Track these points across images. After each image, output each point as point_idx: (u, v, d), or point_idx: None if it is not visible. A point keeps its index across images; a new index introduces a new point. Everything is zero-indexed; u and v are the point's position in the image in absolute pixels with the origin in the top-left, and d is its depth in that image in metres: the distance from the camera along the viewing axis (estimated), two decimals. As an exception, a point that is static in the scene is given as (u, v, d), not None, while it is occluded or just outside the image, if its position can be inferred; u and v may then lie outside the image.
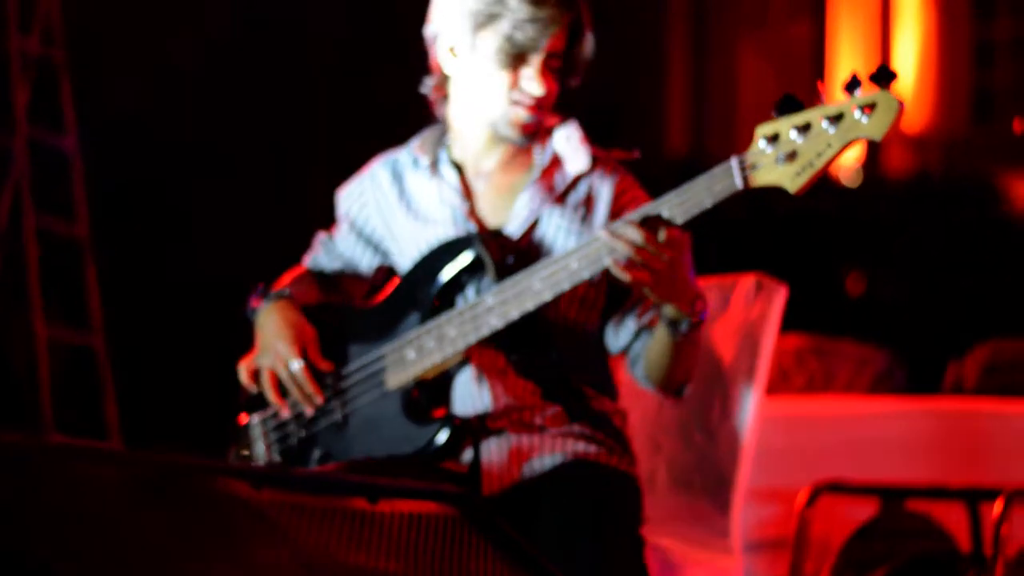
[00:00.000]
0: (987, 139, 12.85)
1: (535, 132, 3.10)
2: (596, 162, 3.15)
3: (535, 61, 3.04)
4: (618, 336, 3.11)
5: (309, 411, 3.12)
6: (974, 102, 13.30)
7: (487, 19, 3.05)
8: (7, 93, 6.98)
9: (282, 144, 8.05)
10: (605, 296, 3.11)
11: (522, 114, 3.06)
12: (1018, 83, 13.09)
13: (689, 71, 13.48)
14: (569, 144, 3.15)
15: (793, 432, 4.79)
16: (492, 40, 3.04)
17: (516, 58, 3.04)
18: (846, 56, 12.83)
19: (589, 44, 3.12)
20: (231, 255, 7.17)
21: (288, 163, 8.02)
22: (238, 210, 7.75)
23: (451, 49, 3.12)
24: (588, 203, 3.12)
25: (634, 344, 3.09)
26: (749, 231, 8.89)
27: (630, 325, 3.09)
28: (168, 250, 7.82)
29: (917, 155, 12.86)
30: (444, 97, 3.18)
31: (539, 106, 3.06)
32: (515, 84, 3.05)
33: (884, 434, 4.80)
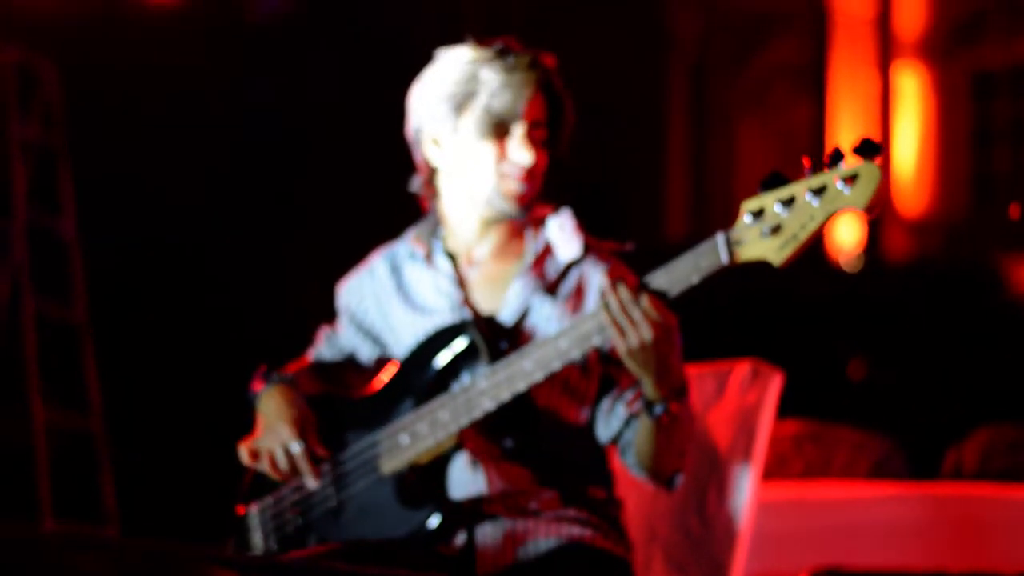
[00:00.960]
0: (987, 223, 12.87)
1: (530, 203, 3.11)
2: (588, 250, 3.16)
3: (518, 131, 3.08)
4: (609, 424, 3.10)
5: (312, 483, 3.11)
6: (974, 186, 13.33)
7: (464, 98, 3.09)
8: (6, 178, 7.02)
9: (280, 228, 8.06)
10: (596, 387, 3.11)
11: (513, 185, 3.08)
12: (1018, 167, 13.12)
13: (689, 153, 13.52)
14: (562, 233, 3.16)
15: (791, 517, 4.77)
16: (473, 117, 3.09)
17: (499, 127, 3.08)
18: (845, 139, 12.87)
19: (570, 110, 3.16)
20: (230, 340, 7.17)
21: (286, 248, 8.03)
22: (237, 295, 7.75)
23: (435, 140, 3.16)
24: (579, 292, 3.13)
25: (625, 432, 3.08)
26: (747, 316, 8.89)
27: (620, 412, 3.08)
28: (166, 336, 7.81)
29: (917, 239, 12.89)
30: (434, 193, 3.20)
31: (530, 175, 3.08)
32: (503, 156, 3.08)
33: (883, 519, 4.77)
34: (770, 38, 13.32)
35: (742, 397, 3.49)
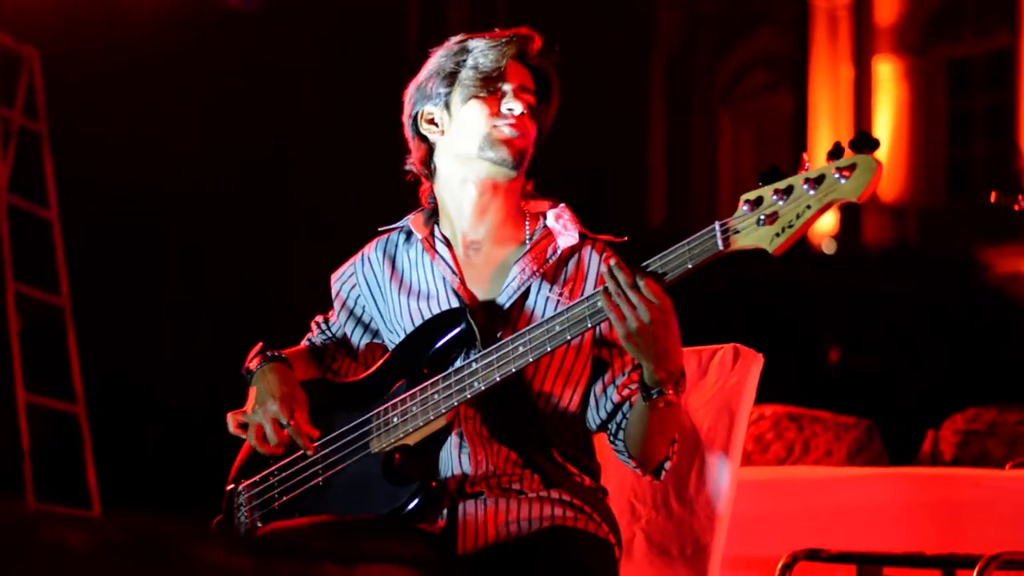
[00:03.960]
0: (963, 209, 12.91)
1: (521, 157, 3.16)
2: (585, 240, 3.20)
3: (508, 87, 3.17)
4: (599, 408, 3.14)
5: (299, 458, 3.16)
6: (950, 172, 13.36)
7: (455, 66, 3.19)
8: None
9: (262, 217, 8.07)
10: (589, 370, 3.15)
11: (506, 129, 3.15)
12: (993, 154, 13.16)
13: (670, 142, 13.54)
14: (559, 223, 3.21)
15: (770, 500, 4.78)
16: (463, 84, 3.18)
17: (487, 84, 3.16)
18: (824, 126, 12.89)
19: (555, 87, 3.26)
20: (213, 324, 7.18)
21: (268, 237, 8.04)
22: (219, 281, 7.76)
23: (429, 119, 3.23)
24: (577, 278, 3.17)
25: (615, 416, 3.12)
26: (726, 300, 8.91)
27: (612, 396, 3.12)
28: (149, 318, 7.82)
29: (893, 224, 12.92)
30: (431, 173, 3.25)
31: (521, 124, 3.15)
32: (495, 110, 3.16)
33: (863, 502, 4.79)
34: (750, 29, 13.34)
35: (723, 379, 3.51)
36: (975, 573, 3.79)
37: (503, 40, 3.19)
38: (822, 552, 4.12)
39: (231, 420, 3.23)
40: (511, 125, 3.14)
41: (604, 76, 10.88)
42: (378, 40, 7.59)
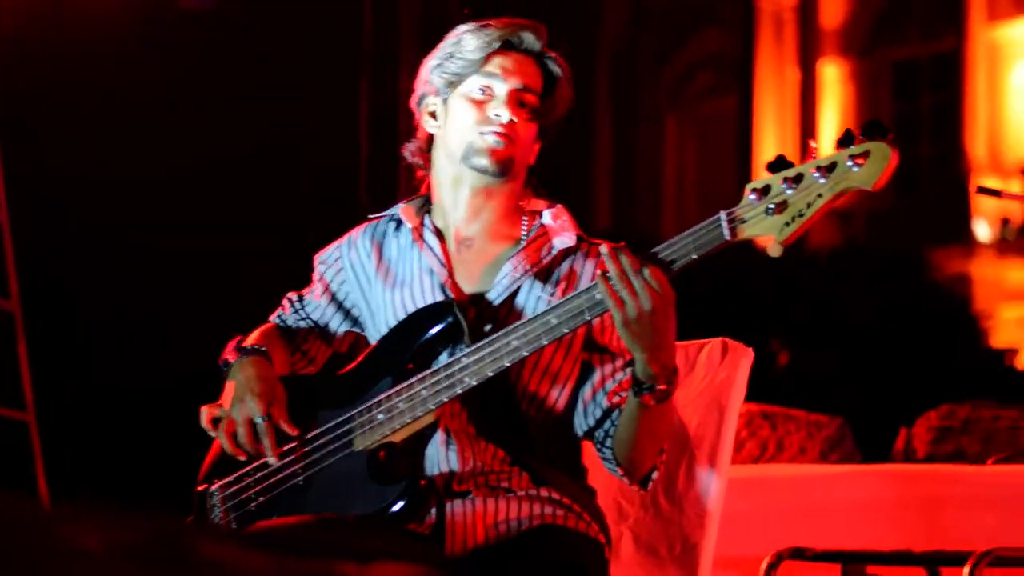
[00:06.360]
0: (910, 211, 12.99)
1: (507, 164, 3.07)
2: (582, 242, 3.13)
3: (502, 89, 3.07)
4: (587, 415, 3.08)
5: (273, 460, 3.07)
6: (896, 174, 13.45)
7: (447, 58, 3.13)
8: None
9: (220, 213, 7.98)
10: (577, 371, 3.08)
11: (491, 139, 3.07)
12: (939, 156, 13.25)
13: (614, 144, 13.53)
14: (557, 223, 3.14)
15: (754, 498, 4.77)
16: (457, 81, 3.12)
17: (469, 72, 3.10)
18: (769, 129, 12.91)
19: (564, 90, 3.17)
20: (168, 327, 7.10)
21: (231, 238, 7.94)
22: (175, 283, 7.66)
23: (432, 112, 3.18)
24: (570, 279, 3.10)
25: (603, 423, 3.05)
26: (683, 301, 8.90)
27: (602, 403, 3.05)
28: (101, 322, 7.72)
29: (840, 226, 12.97)
30: (427, 162, 3.20)
31: (508, 135, 3.06)
32: (483, 116, 3.07)
33: (848, 500, 4.78)
34: (695, 30, 13.35)
35: (712, 374, 3.46)
36: (967, 570, 3.77)
37: (491, 28, 3.12)
38: (807, 551, 4.10)
39: (205, 414, 3.15)
40: (496, 134, 3.06)
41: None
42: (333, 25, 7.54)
